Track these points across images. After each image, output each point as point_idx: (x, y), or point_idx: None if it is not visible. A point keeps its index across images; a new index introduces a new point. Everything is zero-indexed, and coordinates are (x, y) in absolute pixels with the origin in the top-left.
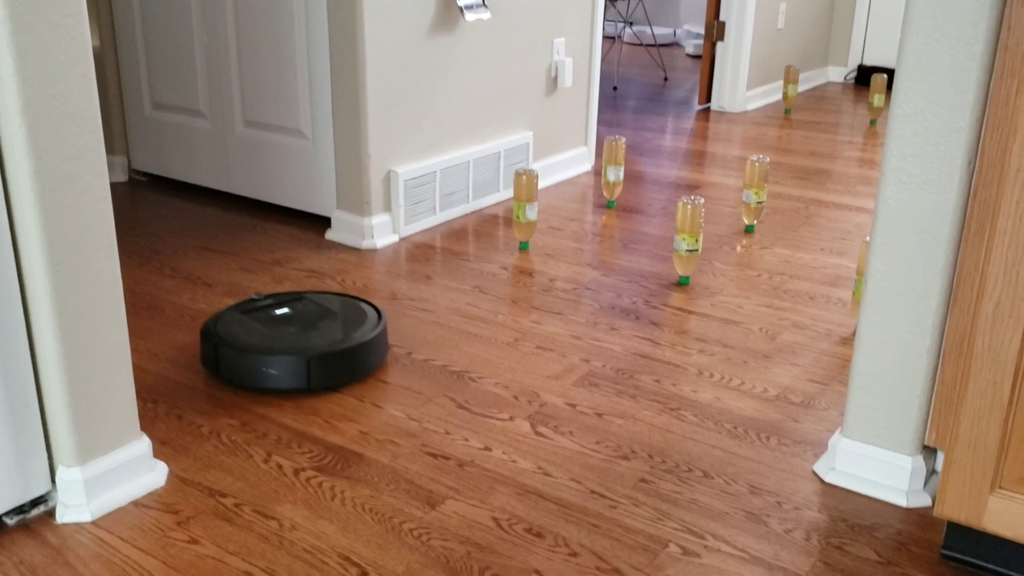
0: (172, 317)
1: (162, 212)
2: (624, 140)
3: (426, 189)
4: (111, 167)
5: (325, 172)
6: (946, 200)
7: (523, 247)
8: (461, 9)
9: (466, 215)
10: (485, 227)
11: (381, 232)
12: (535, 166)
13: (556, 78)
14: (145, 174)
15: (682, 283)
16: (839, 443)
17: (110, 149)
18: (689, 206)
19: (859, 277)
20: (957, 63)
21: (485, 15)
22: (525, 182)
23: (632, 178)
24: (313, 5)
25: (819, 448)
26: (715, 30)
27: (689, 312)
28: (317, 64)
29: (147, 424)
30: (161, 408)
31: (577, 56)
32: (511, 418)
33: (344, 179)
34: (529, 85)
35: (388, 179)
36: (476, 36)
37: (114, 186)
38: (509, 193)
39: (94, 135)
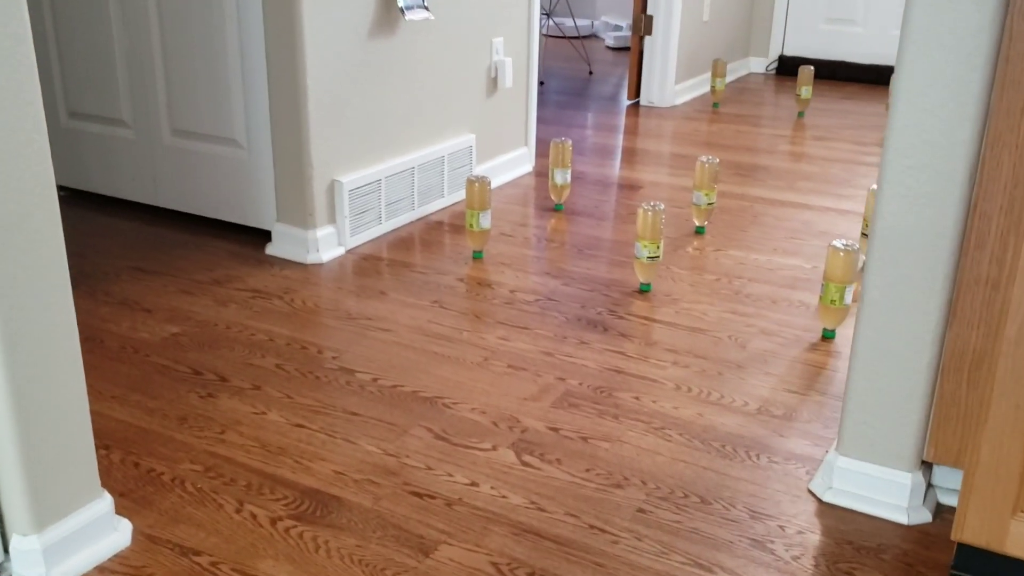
0: (113, 349)
1: (85, 230)
2: (570, 142)
3: (371, 198)
4: None
5: (263, 183)
6: (946, 214)
7: (477, 256)
8: (401, 10)
9: (412, 223)
10: (433, 235)
11: (326, 245)
12: (479, 169)
13: (496, 79)
14: (64, 188)
15: (644, 290)
16: (835, 461)
17: None
18: (650, 212)
19: (826, 283)
20: (958, 75)
21: (425, 15)
22: (478, 189)
23: (573, 179)
24: (246, 4)
25: (810, 464)
26: (643, 24)
27: (655, 321)
28: (252, 68)
29: (102, 474)
30: (115, 455)
31: (515, 55)
32: (494, 447)
33: (285, 190)
34: (470, 87)
35: (332, 189)
36: (417, 37)
37: None
38: (454, 198)
39: (43, 167)
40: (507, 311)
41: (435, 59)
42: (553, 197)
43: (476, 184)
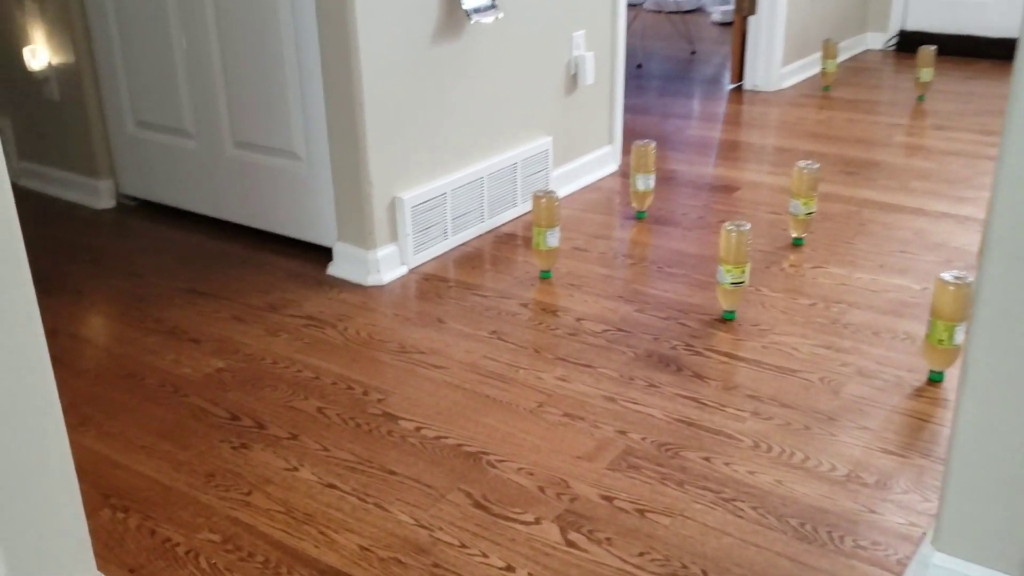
0: (152, 387)
1: (147, 245)
2: (654, 145)
3: (436, 213)
4: (97, 193)
5: (323, 198)
6: None
7: (545, 276)
8: (467, 13)
9: (481, 236)
10: (502, 250)
11: (388, 265)
12: (556, 173)
13: (576, 75)
14: (133, 198)
15: (727, 318)
16: (931, 557)
17: (94, 172)
18: (734, 233)
19: (933, 319)
20: None
21: (494, 17)
22: (545, 205)
23: (663, 180)
24: (301, 12)
25: (903, 550)
26: (746, 3)
27: (738, 359)
28: (309, 79)
29: (114, 543)
30: (132, 519)
31: (599, 48)
32: (537, 520)
33: (344, 208)
34: (546, 86)
35: (393, 206)
36: (485, 39)
37: (101, 213)
38: (528, 207)
39: (9, 237)
40: (570, 344)
41: (506, 60)
42: (635, 205)
43: (543, 200)
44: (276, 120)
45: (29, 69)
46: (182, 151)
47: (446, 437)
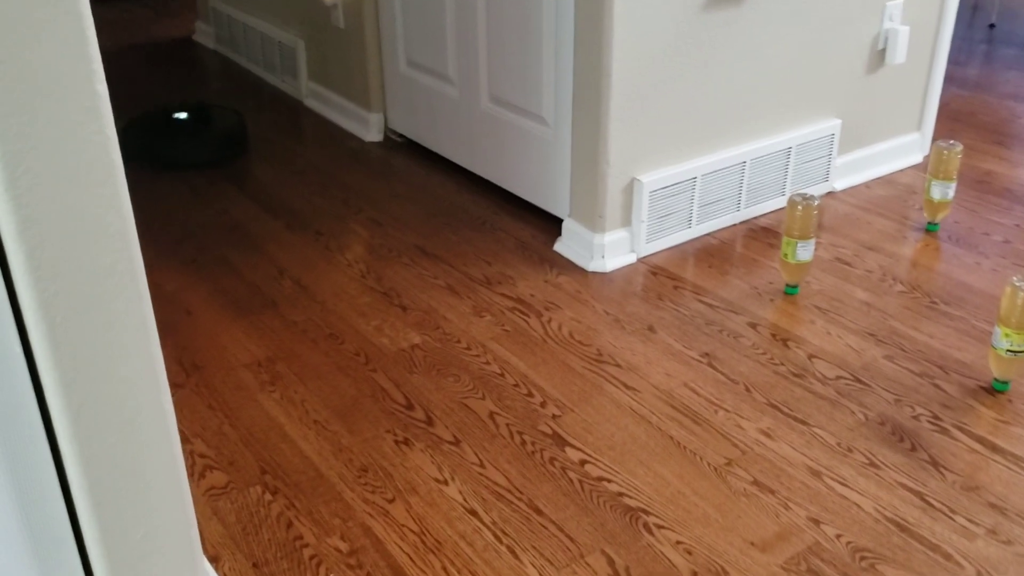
0: (347, 355)
1: (399, 190)
2: (960, 149)
3: (680, 199)
4: (367, 125)
5: (563, 169)
6: None
7: (790, 292)
8: None
9: (733, 226)
10: (751, 246)
11: (615, 251)
12: (840, 161)
13: (884, 51)
14: (400, 135)
15: (997, 389)
16: None
17: (367, 104)
18: (1021, 291)
19: None
20: None
21: None
22: (801, 214)
23: (974, 182)
24: None
25: None
26: None
27: (994, 449)
28: (564, 41)
29: (251, 528)
30: (276, 505)
31: (917, 21)
32: None
33: (579, 184)
34: (842, 62)
35: (630, 188)
36: (772, 7)
37: (368, 146)
38: None
39: (124, 253)
40: (791, 388)
41: (794, 32)
42: (926, 215)
43: (800, 206)
44: (529, 81)
45: None
46: (444, 97)
47: (610, 480)
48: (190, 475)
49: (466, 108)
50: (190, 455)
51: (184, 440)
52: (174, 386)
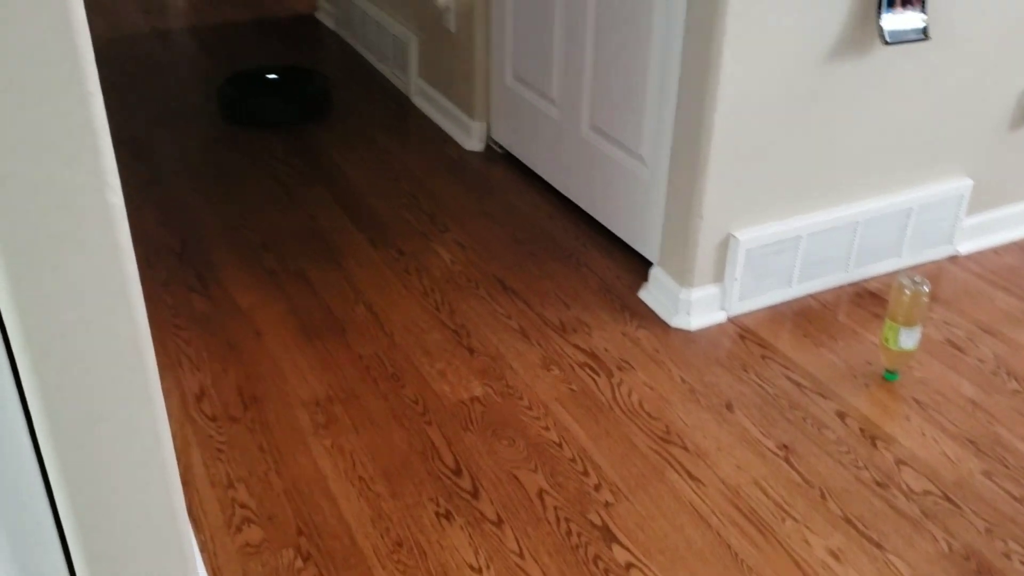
0: (406, 401)
1: (490, 208)
2: None
3: (781, 259)
4: (469, 132)
5: (656, 212)
6: None
7: (888, 377)
8: (882, 33)
9: (838, 288)
10: (855, 315)
11: (702, 309)
12: (969, 222)
13: None
14: (501, 147)
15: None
16: None
17: (470, 112)
18: None
19: None
20: None
21: (917, 37)
22: (908, 300)
23: None
24: (675, 7)
25: None
26: None
27: None
28: (669, 83)
29: None
30: (307, 573)
31: None
32: None
33: (671, 233)
34: (978, 120)
35: (725, 244)
36: (901, 60)
37: (467, 155)
38: (915, 259)
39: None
40: (871, 499)
41: (925, 88)
42: None
43: (907, 291)
44: (631, 116)
45: None
46: (546, 117)
47: None
48: (228, 526)
49: (566, 132)
50: (231, 503)
51: (228, 485)
52: (230, 420)
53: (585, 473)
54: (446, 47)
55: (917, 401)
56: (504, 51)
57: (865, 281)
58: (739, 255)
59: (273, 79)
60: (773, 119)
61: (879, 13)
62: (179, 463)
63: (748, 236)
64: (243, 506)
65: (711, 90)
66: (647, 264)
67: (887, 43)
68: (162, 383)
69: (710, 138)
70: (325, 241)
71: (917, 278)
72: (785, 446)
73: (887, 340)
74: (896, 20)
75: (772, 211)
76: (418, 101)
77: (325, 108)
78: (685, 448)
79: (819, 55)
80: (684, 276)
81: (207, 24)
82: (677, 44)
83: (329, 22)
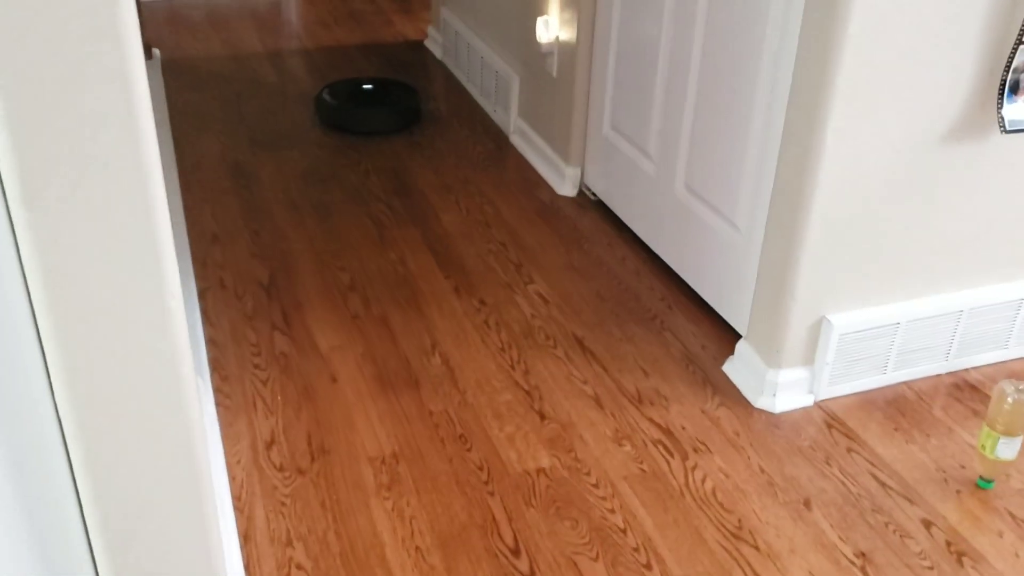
0: (470, 467)
1: (579, 261)
2: None
3: (876, 344)
4: (563, 177)
5: (747, 282)
6: None
7: (983, 485)
8: (1002, 122)
9: (935, 376)
10: (953, 409)
11: (789, 392)
12: None
13: None
14: (594, 194)
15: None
16: None
17: (566, 157)
18: None
19: None
20: None
21: None
22: (1010, 408)
23: None
24: (780, 82)
25: None
26: None
27: None
28: (769, 155)
29: None
30: None
31: None
32: None
33: (760, 309)
34: None
35: (817, 327)
36: (1018, 148)
37: (559, 200)
38: (1021, 352)
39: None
40: None
41: None
42: None
43: (1009, 399)
44: (727, 181)
45: (539, 39)
46: (641, 171)
47: None
48: None
49: (660, 188)
50: (288, 562)
51: (287, 543)
52: (297, 471)
53: (648, 566)
54: (547, 90)
55: (1012, 515)
56: (604, 100)
57: (965, 371)
58: (832, 340)
59: (368, 89)
60: (877, 202)
61: (1001, 101)
62: (242, 516)
63: (843, 320)
64: (299, 567)
65: (812, 170)
66: (734, 333)
67: (1006, 132)
68: (235, 426)
69: (808, 217)
70: (411, 286)
71: (1022, 385)
72: (863, 554)
73: (984, 447)
74: (1018, 110)
75: (870, 295)
76: (515, 140)
77: (416, 119)
78: (756, 547)
79: (930, 139)
80: (772, 356)
81: (319, 46)
82: (780, 116)
83: (436, 51)
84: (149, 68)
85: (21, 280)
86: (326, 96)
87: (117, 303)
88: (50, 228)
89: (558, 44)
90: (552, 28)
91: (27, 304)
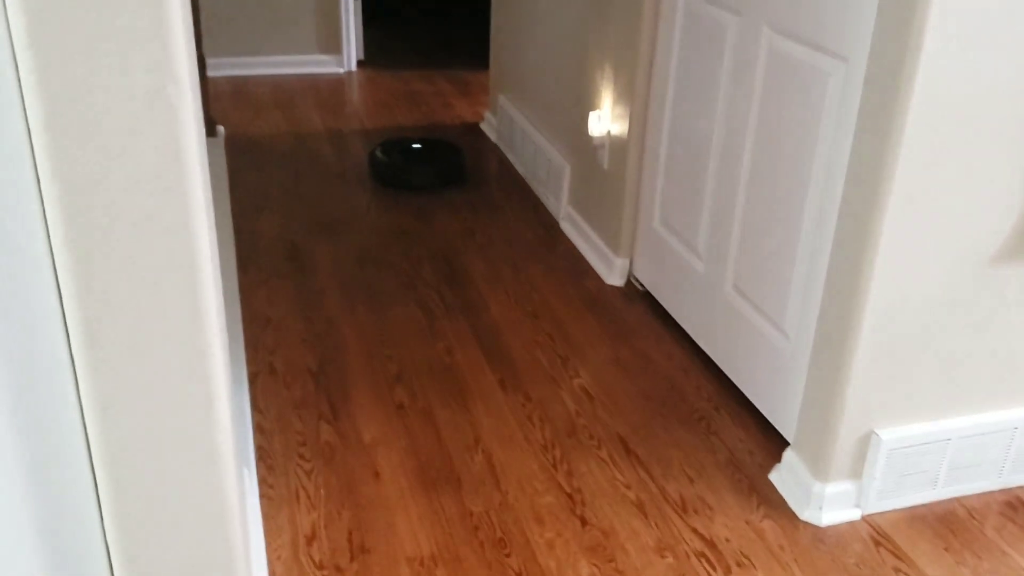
0: (507, 575)
1: (623, 355)
2: None
3: (926, 460)
4: (611, 267)
5: (795, 390)
6: None
7: None
8: None
9: (987, 493)
10: (1007, 529)
11: (835, 505)
12: None
13: None
14: (642, 285)
15: None
16: None
17: (615, 248)
18: None
19: None
20: None
21: None
22: None
23: None
24: (832, 189)
25: None
26: None
27: None
28: (820, 262)
29: None
30: None
31: None
32: None
33: (808, 419)
34: None
35: (866, 441)
36: None
37: (607, 290)
38: None
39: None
40: None
41: None
42: None
43: None
44: (777, 287)
45: (590, 132)
46: (690, 267)
47: None
48: None
49: (709, 287)
50: None
51: None
52: (335, 570)
53: None
54: (597, 181)
55: None
56: (654, 195)
57: (1020, 489)
58: (880, 454)
59: (417, 148)
60: (928, 318)
61: None
62: None
63: (892, 436)
64: None
65: (862, 287)
66: (782, 439)
67: None
68: (277, 518)
69: (859, 333)
70: (457, 379)
71: None
72: None
73: None
74: None
75: (920, 410)
76: (566, 227)
77: (460, 176)
78: None
79: (983, 259)
80: (819, 468)
81: (378, 126)
82: (831, 224)
83: (492, 134)
84: (213, 145)
85: (72, 375)
86: (379, 153)
87: (167, 441)
88: (111, 367)
89: (609, 138)
90: (604, 122)
91: (79, 413)
